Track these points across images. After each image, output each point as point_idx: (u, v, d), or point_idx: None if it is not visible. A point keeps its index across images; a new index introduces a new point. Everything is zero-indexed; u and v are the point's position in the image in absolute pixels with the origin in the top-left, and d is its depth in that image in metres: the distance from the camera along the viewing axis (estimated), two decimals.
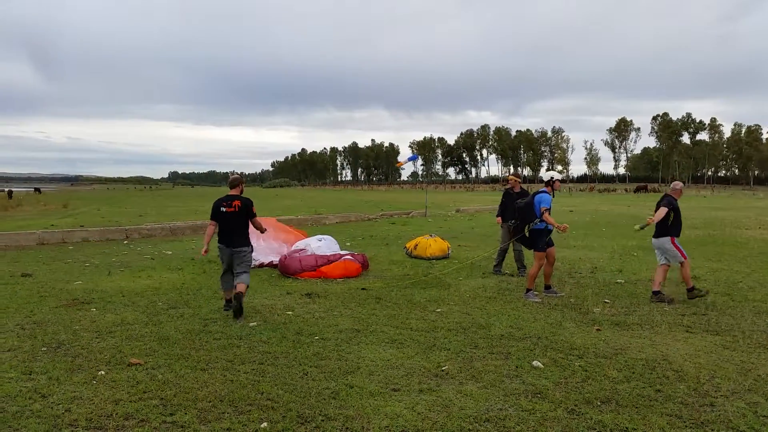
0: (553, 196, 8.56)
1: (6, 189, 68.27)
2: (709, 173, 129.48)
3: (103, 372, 5.02)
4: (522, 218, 8.58)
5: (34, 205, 37.99)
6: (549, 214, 8.23)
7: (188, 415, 4.13)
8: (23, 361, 5.34)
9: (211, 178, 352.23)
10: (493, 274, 10.35)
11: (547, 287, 8.64)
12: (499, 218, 10.83)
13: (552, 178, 8.66)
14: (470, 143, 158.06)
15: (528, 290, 8.36)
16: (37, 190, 76.20)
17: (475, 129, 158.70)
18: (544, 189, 8.54)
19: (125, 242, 16.20)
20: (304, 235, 12.59)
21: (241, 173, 9.37)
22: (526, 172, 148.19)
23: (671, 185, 8.79)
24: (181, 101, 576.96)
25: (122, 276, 10.20)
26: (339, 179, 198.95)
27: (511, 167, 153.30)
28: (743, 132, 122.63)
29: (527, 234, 8.47)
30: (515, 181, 10.78)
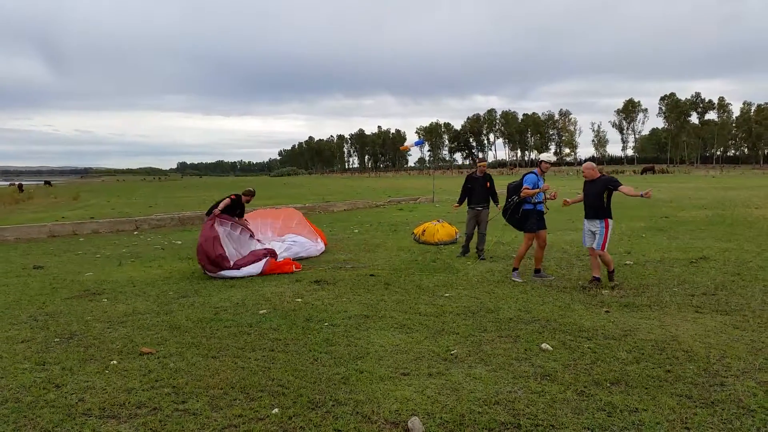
0: (544, 180, 8.69)
1: (17, 182, 68.73)
2: (718, 153, 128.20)
3: (115, 361, 5.07)
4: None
5: (45, 198, 38.25)
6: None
7: (200, 403, 4.17)
8: (37, 352, 5.40)
9: (220, 168, 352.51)
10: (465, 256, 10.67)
11: (537, 271, 8.64)
12: (457, 205, 11.32)
13: (540, 160, 8.83)
14: (477, 128, 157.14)
15: (514, 269, 8.54)
16: (47, 183, 76.63)
17: (481, 113, 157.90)
18: (534, 171, 8.69)
19: (135, 233, 16.30)
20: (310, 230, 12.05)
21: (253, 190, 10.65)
22: (533, 155, 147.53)
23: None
24: (189, 92, 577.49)
25: (133, 266, 10.28)
26: (346, 167, 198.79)
27: (518, 151, 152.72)
28: (753, 111, 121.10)
29: (518, 215, 8.64)
30: (484, 166, 11.08)
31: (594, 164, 8.25)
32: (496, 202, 10.64)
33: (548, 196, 8.60)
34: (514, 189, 8.68)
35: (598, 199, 7.93)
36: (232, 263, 9.07)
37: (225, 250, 9.10)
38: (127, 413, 4.04)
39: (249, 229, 10.33)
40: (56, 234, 15.72)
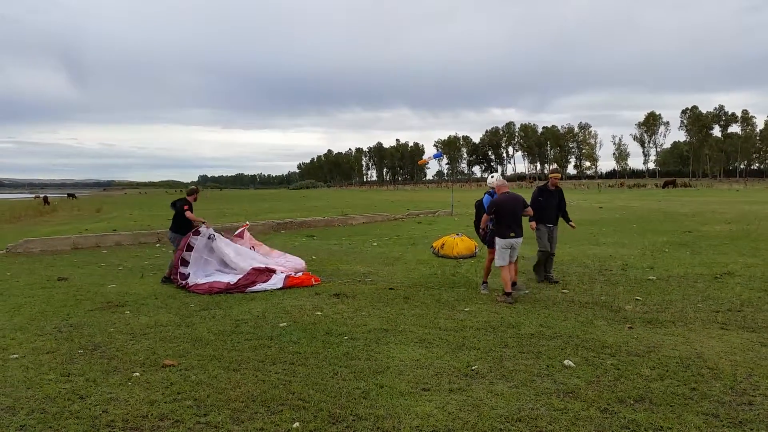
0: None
1: (42, 195, 69.98)
2: (742, 166, 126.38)
3: (138, 373, 5.12)
4: (479, 217, 9.14)
5: (69, 211, 38.87)
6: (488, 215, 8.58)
7: (221, 416, 4.19)
8: (61, 363, 5.48)
9: (240, 181, 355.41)
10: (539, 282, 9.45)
11: (484, 283, 8.85)
12: (533, 223, 9.35)
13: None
14: (496, 141, 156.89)
15: (483, 283, 8.81)
16: (71, 195, 77.83)
17: (500, 126, 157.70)
18: (491, 191, 8.92)
19: (157, 245, 16.48)
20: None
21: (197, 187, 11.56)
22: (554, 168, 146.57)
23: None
24: (210, 105, 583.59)
25: (155, 279, 10.38)
26: (364, 180, 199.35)
27: (538, 164, 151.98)
28: None
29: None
30: (557, 178, 9.67)
31: (504, 182, 8.61)
32: (566, 219, 9.67)
33: None
34: (481, 206, 9.06)
35: None
36: (230, 281, 9.25)
37: (186, 271, 9.65)
38: (149, 425, 4.07)
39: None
40: (80, 246, 15.95)
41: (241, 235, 11.32)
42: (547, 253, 9.40)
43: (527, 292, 8.62)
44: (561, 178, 9.86)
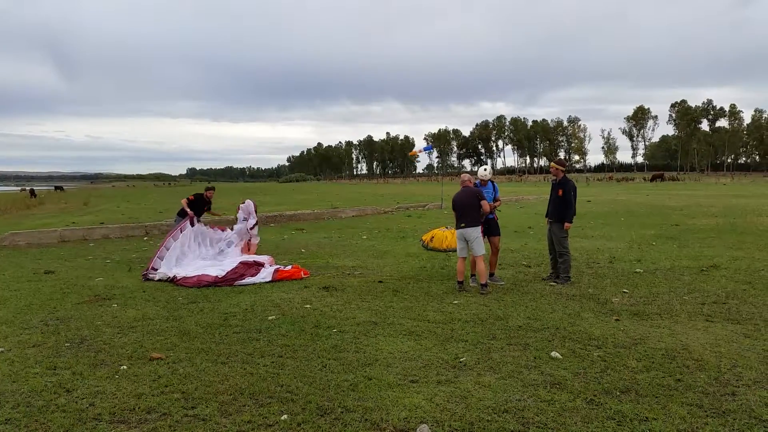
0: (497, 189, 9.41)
1: (28, 188, 69.31)
2: (729, 160, 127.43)
3: (125, 367, 5.10)
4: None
5: (56, 203, 38.53)
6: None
7: (209, 408, 4.18)
8: (48, 356, 5.44)
9: (228, 174, 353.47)
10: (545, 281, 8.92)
11: (472, 275, 8.82)
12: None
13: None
14: (485, 134, 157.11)
15: (491, 274, 8.90)
16: (58, 188, 77.10)
17: (490, 120, 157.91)
18: (477, 182, 9.16)
19: (145, 238, 16.38)
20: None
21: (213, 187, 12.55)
22: (543, 162, 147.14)
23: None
24: (199, 98, 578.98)
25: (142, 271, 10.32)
26: (354, 173, 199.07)
27: (527, 158, 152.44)
28: (764, 118, 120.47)
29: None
30: (557, 169, 8.99)
31: (468, 177, 8.90)
32: (566, 216, 8.66)
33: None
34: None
35: None
36: (218, 274, 9.25)
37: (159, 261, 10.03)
38: (136, 418, 4.05)
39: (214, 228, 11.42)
40: (67, 239, 15.83)
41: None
42: (551, 253, 8.98)
43: (502, 283, 8.74)
44: (565, 170, 9.01)
